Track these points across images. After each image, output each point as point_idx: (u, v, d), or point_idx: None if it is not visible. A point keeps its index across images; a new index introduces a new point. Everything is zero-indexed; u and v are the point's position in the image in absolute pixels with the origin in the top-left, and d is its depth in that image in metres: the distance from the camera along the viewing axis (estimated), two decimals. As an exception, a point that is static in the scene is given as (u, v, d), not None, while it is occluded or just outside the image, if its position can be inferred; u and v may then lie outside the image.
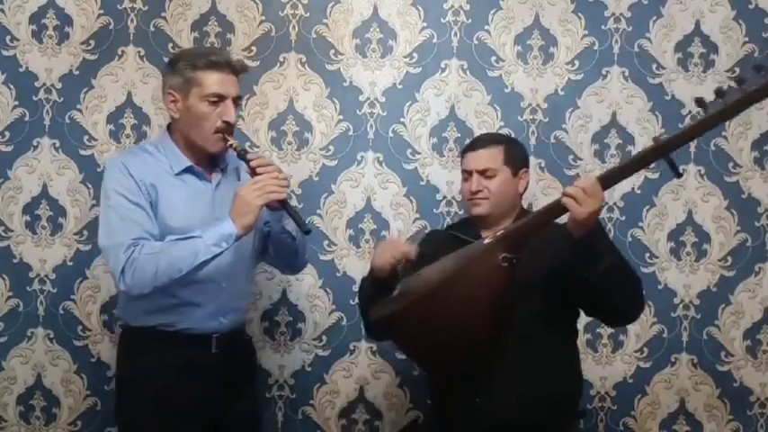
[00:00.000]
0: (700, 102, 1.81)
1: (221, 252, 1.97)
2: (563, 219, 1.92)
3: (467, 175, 2.19)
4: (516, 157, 2.18)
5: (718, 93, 1.77)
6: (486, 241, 2.00)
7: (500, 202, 2.15)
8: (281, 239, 2.15)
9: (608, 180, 1.89)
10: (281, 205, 2.00)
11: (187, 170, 2.10)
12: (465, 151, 2.23)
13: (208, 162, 2.13)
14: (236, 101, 2.08)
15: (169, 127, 2.16)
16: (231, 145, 2.05)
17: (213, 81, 2.03)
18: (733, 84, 1.78)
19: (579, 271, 1.89)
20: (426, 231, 2.49)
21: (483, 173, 2.14)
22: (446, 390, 2.12)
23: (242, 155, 2.04)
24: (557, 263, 1.98)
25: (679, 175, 1.89)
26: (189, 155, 2.10)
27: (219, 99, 2.03)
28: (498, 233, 2.00)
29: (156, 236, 2.01)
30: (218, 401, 2.09)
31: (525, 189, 2.22)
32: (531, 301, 2.01)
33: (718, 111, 1.78)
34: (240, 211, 1.96)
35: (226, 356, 2.11)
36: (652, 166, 2.60)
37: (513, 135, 2.61)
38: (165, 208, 2.05)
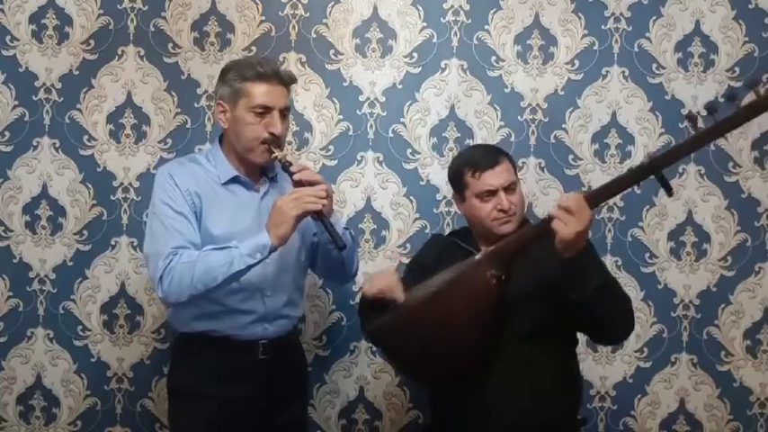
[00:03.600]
0: (690, 117, 1.78)
1: (256, 263, 1.96)
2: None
3: (488, 194, 2.04)
4: (515, 165, 2.13)
5: (710, 109, 1.74)
6: (477, 257, 2.00)
7: (521, 215, 2.09)
8: (327, 250, 2.15)
9: (595, 198, 1.85)
10: (319, 218, 1.99)
11: (234, 180, 2.11)
12: (480, 169, 2.05)
13: (257, 171, 2.15)
14: (284, 112, 2.09)
15: (221, 137, 2.18)
16: (276, 156, 2.05)
17: (260, 92, 2.04)
18: (733, 91, 1.75)
19: (567, 291, 1.87)
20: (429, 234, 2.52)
21: (507, 188, 2.04)
22: (446, 403, 2.12)
23: (286, 166, 2.04)
24: (553, 276, 1.95)
25: (671, 194, 1.85)
26: (238, 164, 2.12)
27: (266, 110, 2.05)
28: (488, 249, 1.99)
29: (198, 245, 2.02)
30: (266, 407, 2.12)
31: None
32: (529, 314, 1.99)
33: (709, 128, 1.76)
34: (276, 222, 1.96)
35: (273, 363, 2.13)
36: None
37: (512, 135, 2.63)
38: (209, 217, 2.06)
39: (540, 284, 1.99)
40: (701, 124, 1.79)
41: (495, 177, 2.05)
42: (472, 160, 2.10)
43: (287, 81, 2.10)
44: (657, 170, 1.80)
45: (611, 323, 1.96)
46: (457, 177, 2.13)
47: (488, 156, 2.08)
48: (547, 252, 1.90)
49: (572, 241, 1.80)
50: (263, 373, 2.11)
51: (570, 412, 2.10)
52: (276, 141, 2.06)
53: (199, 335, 2.10)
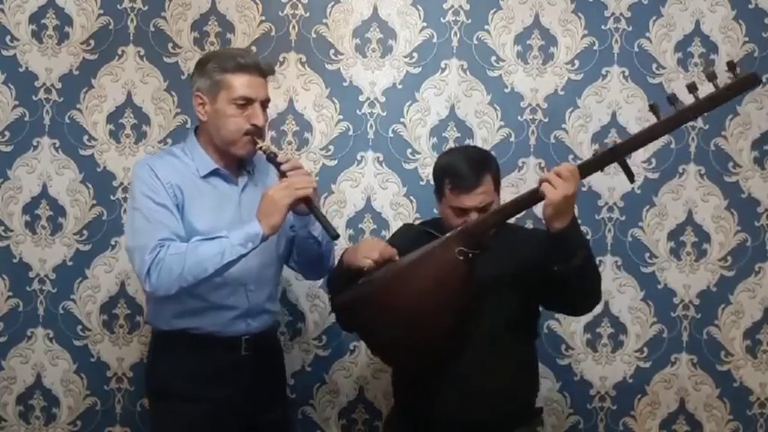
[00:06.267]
0: (652, 107, 1.85)
1: (247, 252, 1.95)
2: (531, 224, 1.88)
3: (461, 211, 2.00)
4: (499, 176, 2.07)
5: (671, 100, 1.82)
6: (447, 235, 1.98)
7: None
8: (306, 245, 2.14)
9: (586, 168, 1.88)
10: (309, 208, 1.98)
11: (214, 173, 2.09)
12: (459, 189, 1.99)
13: (235, 165, 2.13)
14: (265, 104, 2.07)
15: (196, 129, 2.15)
16: (261, 148, 2.03)
17: (242, 84, 2.02)
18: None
19: (552, 264, 1.88)
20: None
21: (482, 209, 1.99)
22: (408, 385, 2.12)
23: (271, 158, 2.02)
24: (524, 265, 1.98)
25: (632, 180, 1.95)
26: (216, 157, 2.10)
27: (248, 102, 2.03)
28: (459, 228, 1.97)
29: (183, 237, 1.99)
30: (250, 403, 2.11)
31: None
32: (495, 304, 2.00)
33: (669, 117, 1.83)
34: (267, 212, 1.95)
35: (255, 359, 2.12)
36: (653, 165, 2.63)
37: (512, 135, 2.63)
38: (191, 210, 2.04)
39: (514, 271, 2.01)
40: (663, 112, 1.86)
41: (471, 200, 1.99)
42: (455, 175, 2.01)
43: (266, 72, 2.08)
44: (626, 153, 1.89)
45: (586, 296, 2.01)
46: (437, 181, 2.09)
47: (472, 175, 1.99)
48: (523, 240, 1.93)
49: (560, 205, 1.82)
50: (246, 370, 2.09)
51: (526, 403, 2.12)
52: (259, 132, 2.05)
53: (179, 333, 2.07)
